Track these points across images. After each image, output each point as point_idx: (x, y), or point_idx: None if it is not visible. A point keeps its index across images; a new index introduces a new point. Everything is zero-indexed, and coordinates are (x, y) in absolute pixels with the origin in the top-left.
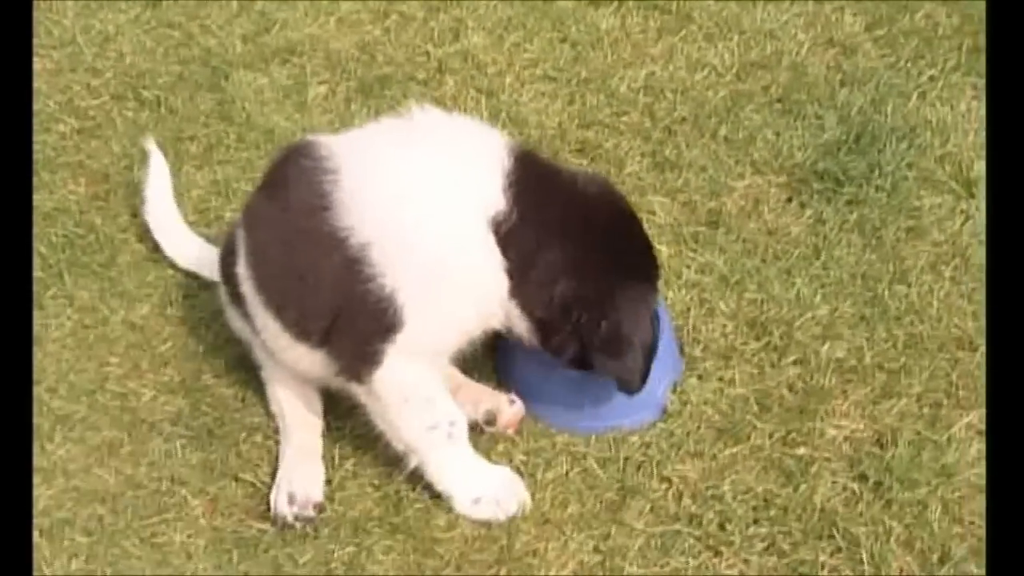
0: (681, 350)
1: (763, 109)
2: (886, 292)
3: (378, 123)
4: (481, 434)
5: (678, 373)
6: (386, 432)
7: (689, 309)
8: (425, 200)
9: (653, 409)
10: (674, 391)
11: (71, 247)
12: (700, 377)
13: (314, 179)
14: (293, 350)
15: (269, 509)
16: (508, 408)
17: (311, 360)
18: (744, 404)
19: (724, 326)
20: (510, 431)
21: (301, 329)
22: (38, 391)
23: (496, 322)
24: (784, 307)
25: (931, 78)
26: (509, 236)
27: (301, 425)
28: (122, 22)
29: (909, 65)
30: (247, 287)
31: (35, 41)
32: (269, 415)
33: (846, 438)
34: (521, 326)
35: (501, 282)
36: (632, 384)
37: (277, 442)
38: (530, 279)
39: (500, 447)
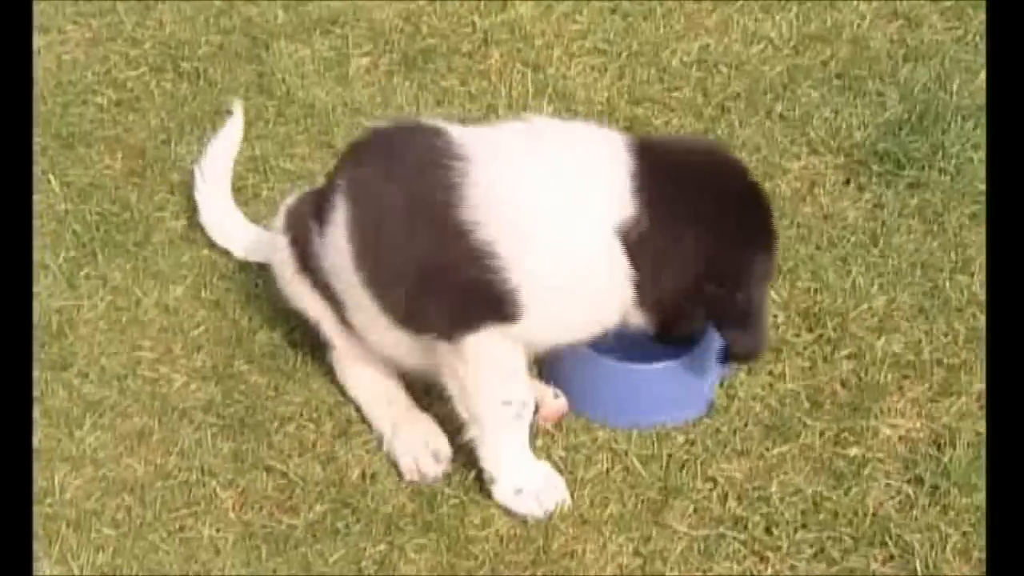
0: None
1: (821, 85)
2: (947, 282)
3: (500, 125)
4: None
5: (726, 368)
6: (457, 396)
7: None
8: (552, 208)
9: (699, 404)
10: (721, 385)
11: (105, 224)
12: (749, 371)
13: (442, 165)
14: (382, 330)
15: (295, 501)
16: (552, 400)
17: (397, 338)
18: (794, 400)
19: (776, 316)
20: (549, 424)
21: (400, 307)
22: (68, 376)
23: (605, 329)
24: (839, 297)
25: None
26: (640, 243)
27: (391, 396)
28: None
29: (978, 39)
30: (339, 261)
31: (73, 9)
32: (302, 404)
33: (901, 438)
34: (639, 321)
35: (626, 294)
36: (755, 355)
37: (310, 431)
38: (663, 279)
39: (539, 442)
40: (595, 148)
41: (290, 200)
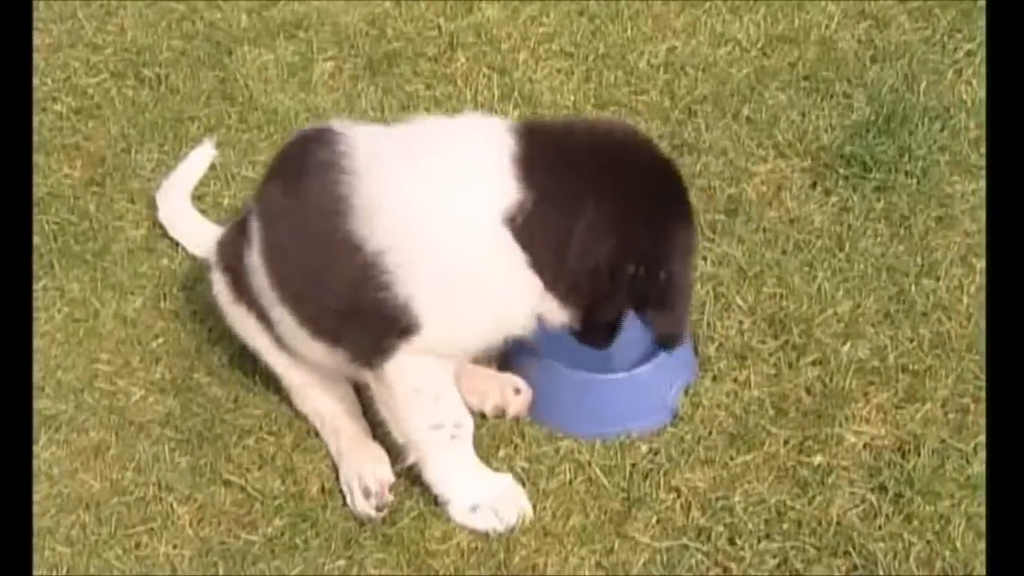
0: (695, 350)
1: (788, 87)
2: (913, 287)
3: (389, 127)
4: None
5: (691, 375)
6: (388, 422)
7: (704, 304)
8: (436, 209)
9: (663, 413)
10: (686, 393)
11: (63, 235)
12: (714, 378)
13: (331, 179)
14: (308, 344)
15: (253, 516)
16: (515, 399)
17: (325, 352)
18: (759, 408)
19: (741, 323)
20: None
21: (316, 326)
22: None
23: (522, 328)
24: (804, 303)
25: (968, 53)
26: (529, 226)
27: (343, 415)
28: None
29: (945, 39)
30: (261, 280)
31: (34, 15)
32: (262, 416)
33: (866, 445)
34: (559, 316)
35: (530, 284)
36: (679, 337)
37: (270, 444)
38: (567, 259)
39: (501, 452)
40: (475, 140)
41: (222, 232)
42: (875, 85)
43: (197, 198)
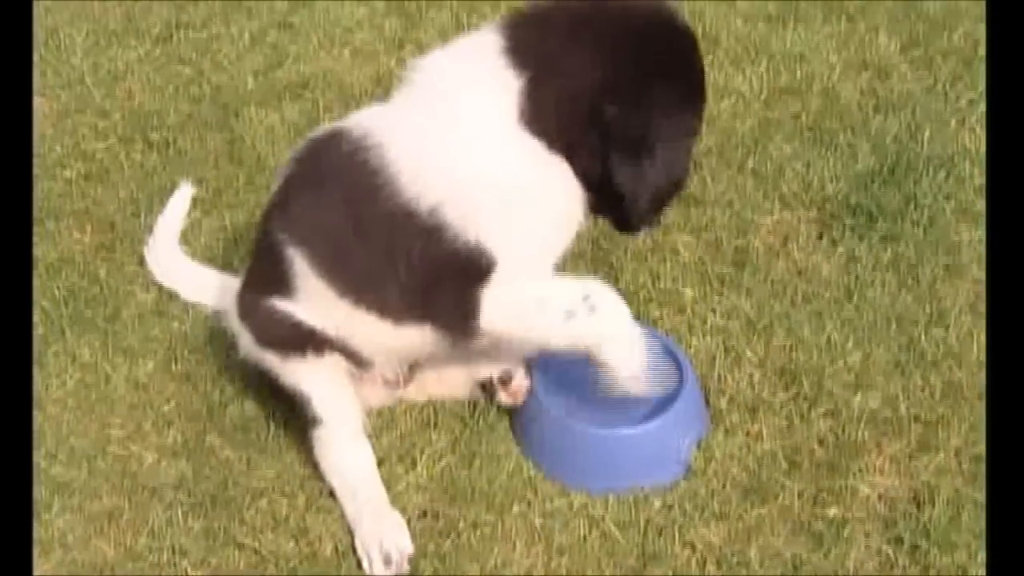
0: (706, 403)
1: (793, 138)
2: (923, 336)
3: (387, 99)
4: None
5: (703, 428)
6: (540, 353)
7: (715, 357)
8: (461, 143)
9: (676, 467)
10: (698, 447)
11: (74, 300)
12: (726, 431)
13: (359, 160)
14: (394, 335)
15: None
16: (521, 378)
17: (415, 336)
18: (772, 460)
19: (751, 375)
20: (512, 400)
21: (400, 311)
22: (36, 457)
23: (579, 220)
24: (814, 354)
25: (970, 102)
26: (534, 103)
27: (364, 477)
28: (132, 59)
29: (947, 88)
30: (324, 302)
31: (42, 81)
32: (274, 478)
33: (880, 496)
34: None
35: (560, 169)
36: (640, 202)
37: (283, 505)
38: (563, 113)
39: (515, 508)
40: (467, 57)
41: (239, 283)
42: (879, 135)
43: (208, 260)
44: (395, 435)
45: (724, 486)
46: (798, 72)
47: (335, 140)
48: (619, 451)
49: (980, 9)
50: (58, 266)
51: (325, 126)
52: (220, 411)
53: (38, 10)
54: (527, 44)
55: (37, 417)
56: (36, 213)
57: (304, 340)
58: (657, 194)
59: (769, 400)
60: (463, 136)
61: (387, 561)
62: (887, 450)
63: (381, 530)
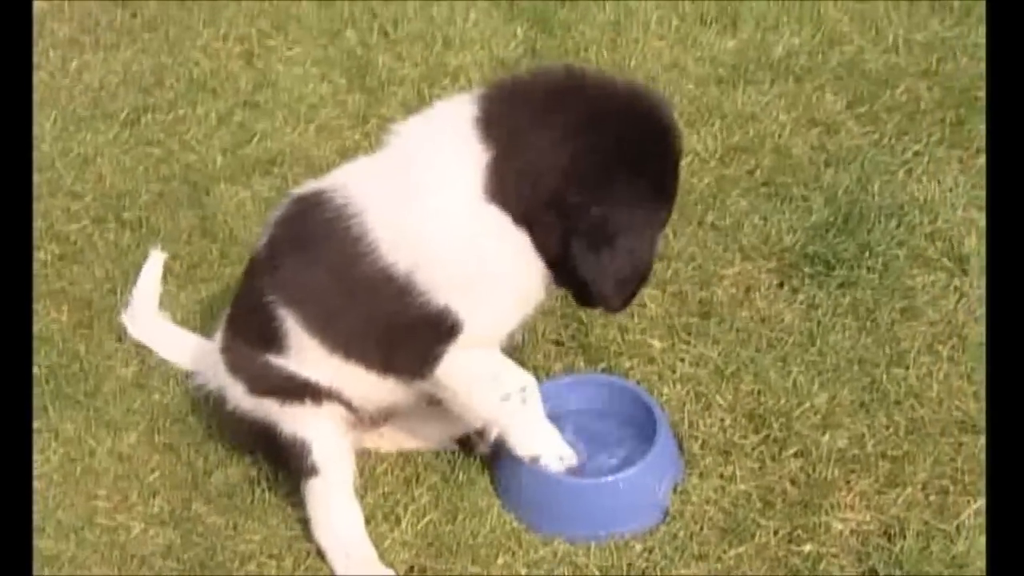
0: (680, 448)
1: (749, 193)
2: (884, 376)
3: (364, 159)
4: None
5: (678, 473)
6: (462, 415)
7: (685, 404)
8: (432, 212)
9: (654, 512)
10: (675, 491)
11: (55, 378)
12: (701, 475)
13: (342, 228)
14: (361, 379)
15: None
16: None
17: (378, 380)
18: (747, 501)
19: (722, 420)
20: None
21: (367, 359)
22: None
23: (542, 293)
24: (782, 397)
25: (916, 153)
26: (500, 177)
27: (356, 538)
28: (101, 143)
29: (893, 142)
30: (313, 355)
31: None
32: (261, 541)
33: (852, 531)
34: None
35: (524, 244)
36: (603, 290)
37: (271, 568)
38: (528, 195)
39: (500, 560)
40: (442, 127)
41: (219, 342)
42: (831, 188)
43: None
44: (378, 494)
45: (702, 528)
46: (750, 130)
47: (318, 204)
48: (598, 499)
49: (920, 67)
50: (38, 345)
51: (307, 185)
52: (204, 479)
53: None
54: (498, 117)
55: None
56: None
57: (300, 390)
58: (621, 281)
59: (741, 443)
60: (431, 206)
61: None
62: (856, 487)
63: None
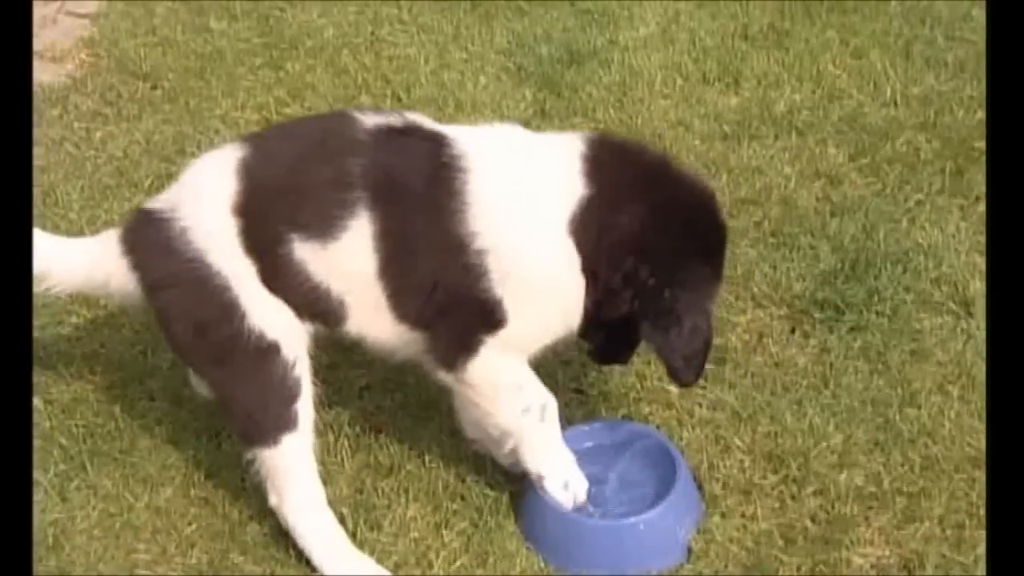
0: (700, 489)
1: (758, 243)
2: (897, 416)
3: (491, 127)
4: None
5: (699, 514)
6: (481, 420)
7: (704, 447)
8: (525, 213)
9: (677, 552)
10: (698, 531)
11: (91, 437)
12: (723, 515)
13: (448, 175)
14: (390, 328)
15: None
16: None
17: (406, 339)
18: (768, 539)
19: (741, 461)
20: None
21: (408, 311)
22: None
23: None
24: (799, 438)
25: (918, 202)
26: (584, 216)
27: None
28: (126, 210)
29: (895, 191)
30: (353, 267)
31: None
32: None
33: (873, 566)
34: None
35: (579, 284)
36: (675, 366)
37: None
38: (599, 245)
39: None
40: (556, 147)
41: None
42: (837, 236)
43: None
44: (409, 539)
45: (726, 565)
46: (756, 183)
47: (435, 141)
48: (624, 541)
49: (918, 119)
50: (72, 406)
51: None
52: (241, 530)
53: (35, 171)
54: (602, 165)
55: (65, 547)
56: (48, 358)
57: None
58: (688, 356)
59: (760, 483)
60: (525, 208)
61: None
62: (875, 523)
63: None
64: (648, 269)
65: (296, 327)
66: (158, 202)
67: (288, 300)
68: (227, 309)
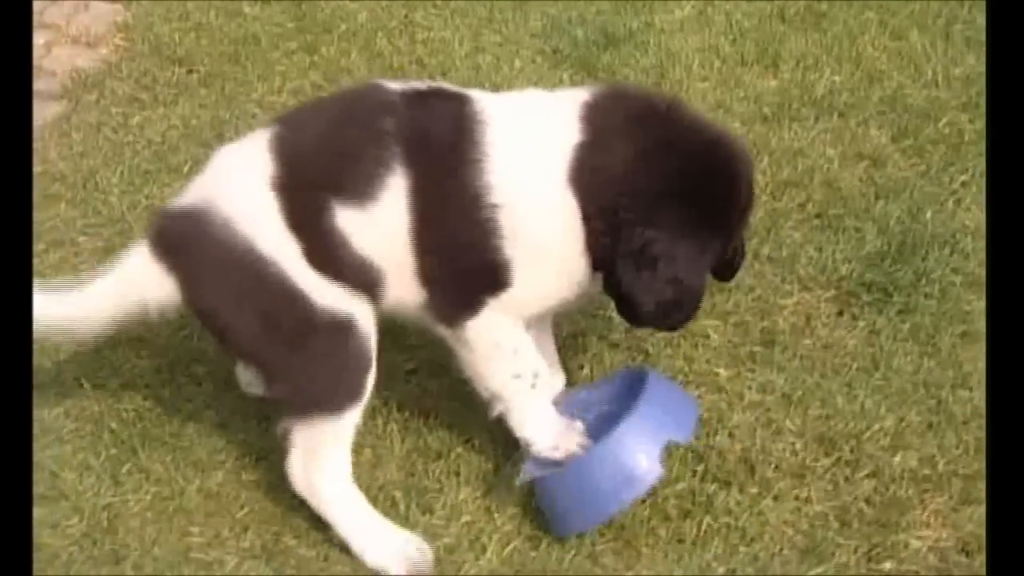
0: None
1: (802, 226)
2: (950, 398)
3: (511, 93)
4: None
5: (674, 427)
6: (473, 379)
7: (756, 430)
8: (530, 169)
9: (646, 475)
10: (751, 512)
11: (141, 421)
12: (776, 497)
13: (469, 125)
14: (417, 291)
15: None
16: None
17: (415, 294)
18: (824, 522)
19: (793, 444)
20: None
21: (431, 270)
22: (123, 569)
23: (579, 289)
24: (850, 421)
25: (963, 184)
26: (581, 162)
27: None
28: (167, 194)
29: (940, 173)
30: (386, 231)
31: (83, 221)
32: (352, 572)
33: (930, 548)
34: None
35: (579, 231)
36: (642, 306)
37: None
38: (592, 191)
39: None
40: (561, 99)
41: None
42: (882, 218)
43: None
44: (461, 523)
45: (782, 549)
46: (799, 165)
47: (455, 99)
48: (569, 491)
49: (960, 100)
50: (121, 391)
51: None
52: (293, 513)
53: (74, 156)
54: (600, 111)
55: (119, 530)
56: (93, 343)
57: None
58: (662, 304)
59: (813, 466)
60: (529, 163)
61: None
62: (931, 505)
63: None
64: (627, 204)
65: (359, 298)
66: (184, 200)
67: (333, 274)
68: (292, 292)
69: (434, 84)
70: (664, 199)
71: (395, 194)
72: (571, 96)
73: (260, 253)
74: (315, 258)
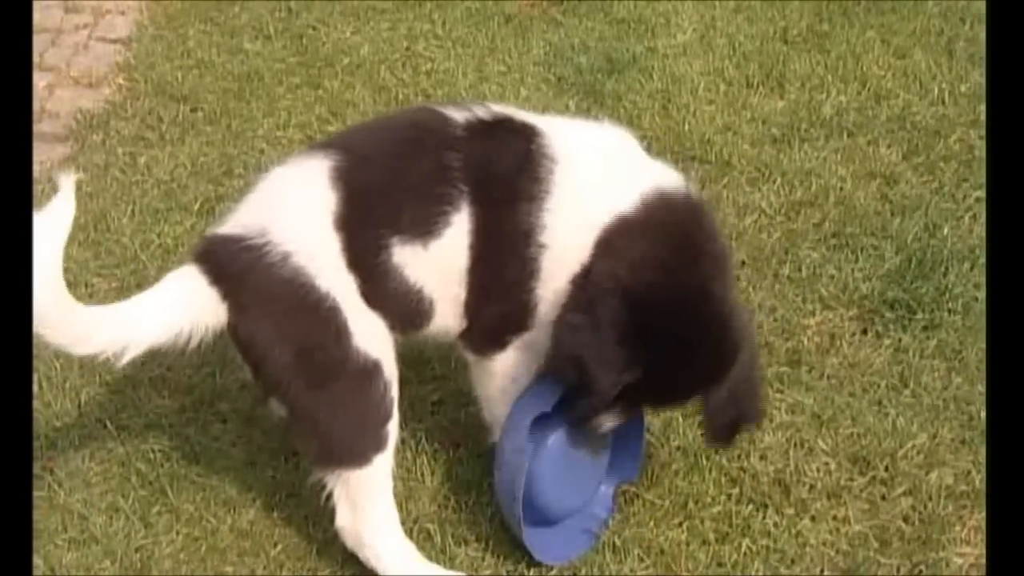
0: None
1: (819, 245)
2: (982, 413)
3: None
4: None
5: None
6: (481, 400)
7: (788, 451)
8: (583, 227)
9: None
10: (777, 527)
11: (168, 461)
12: (813, 518)
13: (536, 163)
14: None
15: None
16: None
17: (459, 323)
18: (863, 541)
19: (827, 464)
20: None
21: (479, 304)
22: None
23: None
24: (883, 439)
25: (978, 199)
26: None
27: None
28: (179, 233)
29: (954, 189)
30: (444, 263)
31: (97, 263)
32: None
33: (972, 565)
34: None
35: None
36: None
37: None
38: (610, 253)
39: None
40: (635, 169)
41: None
42: (900, 235)
43: None
44: (499, 555)
45: (822, 570)
46: (812, 185)
47: (525, 133)
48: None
49: (969, 117)
50: (146, 431)
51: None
52: (325, 550)
53: (83, 197)
54: (657, 197)
55: (154, 572)
56: (115, 383)
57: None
58: (569, 358)
59: (848, 485)
60: (581, 218)
61: None
62: (970, 521)
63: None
64: (599, 276)
65: (388, 342)
66: (239, 227)
67: (380, 309)
68: (337, 332)
69: (497, 111)
70: (608, 302)
71: (458, 231)
72: (640, 162)
73: (317, 290)
74: (367, 291)
